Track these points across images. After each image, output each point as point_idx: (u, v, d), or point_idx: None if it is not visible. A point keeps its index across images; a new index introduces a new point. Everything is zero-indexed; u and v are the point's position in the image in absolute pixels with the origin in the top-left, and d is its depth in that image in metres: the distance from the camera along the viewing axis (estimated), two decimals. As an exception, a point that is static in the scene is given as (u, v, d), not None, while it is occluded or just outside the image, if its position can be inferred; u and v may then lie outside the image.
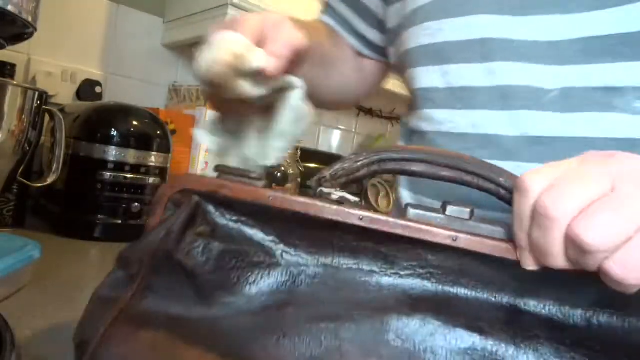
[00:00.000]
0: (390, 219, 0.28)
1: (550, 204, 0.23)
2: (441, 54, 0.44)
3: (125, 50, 1.14)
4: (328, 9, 0.61)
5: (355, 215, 0.28)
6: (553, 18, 0.38)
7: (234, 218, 0.30)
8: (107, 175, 0.81)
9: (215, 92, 0.35)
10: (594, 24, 0.37)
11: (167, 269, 0.28)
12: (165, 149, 0.87)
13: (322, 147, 1.65)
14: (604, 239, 0.22)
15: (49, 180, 0.60)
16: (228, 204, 0.30)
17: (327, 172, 0.31)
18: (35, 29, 0.52)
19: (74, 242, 0.78)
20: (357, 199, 0.31)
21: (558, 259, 0.24)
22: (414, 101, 0.50)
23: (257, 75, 0.33)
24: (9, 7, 0.46)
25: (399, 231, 0.27)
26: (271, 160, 0.38)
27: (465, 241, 0.27)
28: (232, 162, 0.37)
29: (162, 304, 0.27)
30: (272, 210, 0.29)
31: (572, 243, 0.23)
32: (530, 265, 0.26)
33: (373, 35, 0.59)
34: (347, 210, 0.28)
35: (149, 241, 0.28)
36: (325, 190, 0.30)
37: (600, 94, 0.37)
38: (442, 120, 0.45)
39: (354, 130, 1.73)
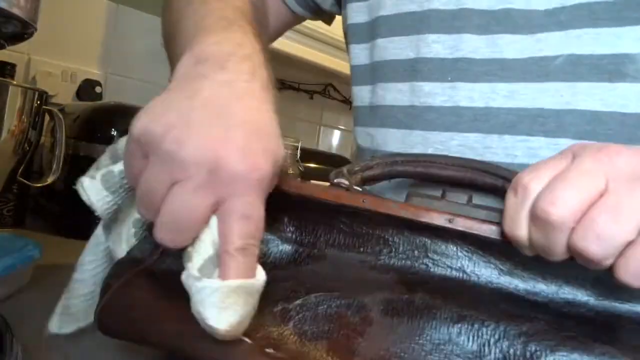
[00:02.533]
0: (392, 203, 0.28)
1: (550, 208, 0.23)
2: (429, 22, 0.41)
3: (125, 50, 1.14)
4: None
5: (358, 198, 0.29)
6: None
7: None
8: (107, 175, 0.81)
9: None
10: None
11: None
12: (165, 149, 0.87)
13: (322, 147, 1.65)
14: (607, 250, 0.22)
15: (49, 180, 0.60)
16: None
17: (345, 168, 0.33)
18: (35, 29, 0.52)
19: (74, 242, 0.77)
20: (366, 188, 0.32)
21: (561, 256, 0.24)
22: (386, 73, 0.45)
23: None
24: (9, 7, 0.45)
25: (400, 213, 0.28)
26: None
27: (461, 223, 0.27)
28: (116, 243, 0.31)
29: (178, 264, 0.27)
30: (288, 195, 0.30)
31: (576, 253, 0.23)
32: (530, 254, 0.26)
33: None
34: (349, 194, 0.29)
35: None
36: (338, 179, 0.32)
37: (608, 60, 0.34)
38: (432, 93, 0.41)
39: (354, 130, 1.72)
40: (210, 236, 0.24)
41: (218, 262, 0.24)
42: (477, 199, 0.30)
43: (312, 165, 1.34)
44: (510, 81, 0.37)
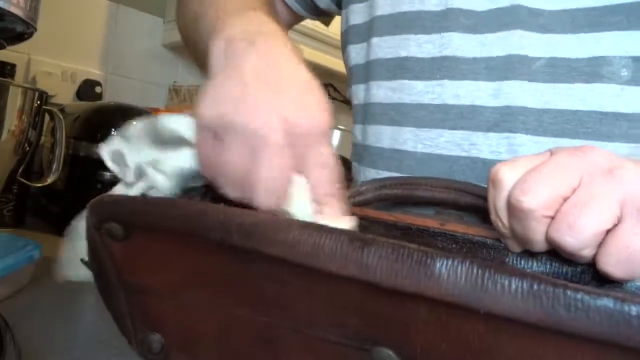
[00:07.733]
0: (385, 213, 0.31)
1: (521, 197, 0.24)
2: (420, 22, 0.43)
3: (125, 50, 1.14)
4: None
5: (354, 210, 0.30)
6: None
7: None
8: (107, 175, 0.81)
9: None
10: None
11: None
12: (165, 149, 0.87)
13: (322, 147, 1.65)
14: (581, 240, 0.22)
15: (49, 180, 0.60)
16: None
17: None
18: (35, 29, 0.52)
19: (74, 242, 0.77)
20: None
21: (542, 245, 0.25)
22: (379, 71, 0.46)
23: None
24: (9, 7, 0.46)
25: (393, 218, 0.30)
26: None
27: (451, 226, 0.29)
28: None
29: None
30: None
31: (554, 245, 0.24)
32: (516, 249, 0.27)
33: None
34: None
35: None
36: None
37: (585, 63, 0.36)
38: (421, 91, 0.42)
39: (354, 130, 1.73)
40: (303, 194, 0.26)
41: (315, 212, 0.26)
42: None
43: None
44: (495, 79, 0.39)
